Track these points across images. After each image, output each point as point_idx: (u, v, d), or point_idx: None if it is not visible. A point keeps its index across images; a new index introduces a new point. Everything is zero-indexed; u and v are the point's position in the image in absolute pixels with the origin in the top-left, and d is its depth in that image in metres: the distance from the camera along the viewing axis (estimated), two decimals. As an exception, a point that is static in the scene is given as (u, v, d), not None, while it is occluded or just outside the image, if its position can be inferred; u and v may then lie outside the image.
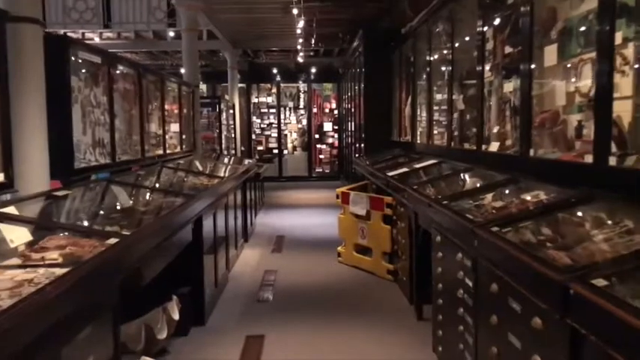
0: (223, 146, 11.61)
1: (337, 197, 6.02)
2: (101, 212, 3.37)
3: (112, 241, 2.69)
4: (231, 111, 11.87)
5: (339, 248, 6.03)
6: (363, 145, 9.23)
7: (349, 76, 12.84)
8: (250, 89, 15.37)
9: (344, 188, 6.21)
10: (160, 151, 6.03)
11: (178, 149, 6.87)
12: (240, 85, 15.02)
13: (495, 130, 4.23)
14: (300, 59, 12.60)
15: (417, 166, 5.50)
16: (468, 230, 2.65)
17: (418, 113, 7.07)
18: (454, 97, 5.24)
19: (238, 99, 13.85)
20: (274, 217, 9.28)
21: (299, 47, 11.17)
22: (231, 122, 11.42)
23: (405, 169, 5.66)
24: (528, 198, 3.03)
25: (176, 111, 6.84)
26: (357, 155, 10.55)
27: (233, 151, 11.33)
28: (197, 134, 7.88)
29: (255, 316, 4.40)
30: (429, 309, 4.02)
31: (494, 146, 4.21)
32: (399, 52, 8.24)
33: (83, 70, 4.15)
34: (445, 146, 5.53)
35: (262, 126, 15.72)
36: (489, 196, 3.42)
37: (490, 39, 4.39)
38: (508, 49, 4.04)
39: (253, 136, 15.44)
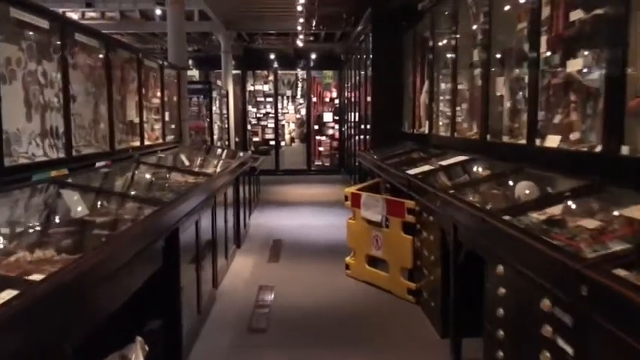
0: (215, 137, 10.66)
1: (346, 199, 5.11)
2: (30, 230, 2.44)
3: (37, 277, 1.81)
4: (225, 99, 10.88)
5: (348, 259, 5.12)
6: (369, 137, 8.30)
7: (352, 62, 11.89)
8: (245, 76, 14.39)
9: (353, 188, 5.29)
10: (137, 143, 5.09)
11: (161, 140, 5.93)
12: (234, 71, 14.01)
13: (557, 119, 3.31)
14: (299, 43, 11.63)
15: (443, 163, 4.59)
16: (569, 270, 1.75)
17: (438, 101, 6.14)
18: (491, 80, 4.31)
19: (232, 86, 12.87)
20: (271, 216, 8.37)
21: (299, 29, 10.19)
22: (224, 111, 10.43)
23: (427, 167, 4.74)
24: (636, 215, 2.12)
25: (158, 96, 5.89)
26: (362, 148, 9.63)
27: (226, 143, 10.37)
28: (184, 123, 6.93)
29: (247, 354, 3.49)
30: (470, 345, 3.14)
31: (552, 140, 3.29)
32: (413, 33, 7.29)
33: (25, 38, 3.20)
34: (477, 140, 4.62)
35: (258, 116, 14.76)
36: (565, 210, 2.51)
37: (547, 4, 3.46)
38: (577, 15, 3.11)
39: (249, 127, 14.48)
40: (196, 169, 5.13)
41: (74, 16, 10.94)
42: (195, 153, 6.46)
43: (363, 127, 10.45)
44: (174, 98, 6.63)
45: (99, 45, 4.14)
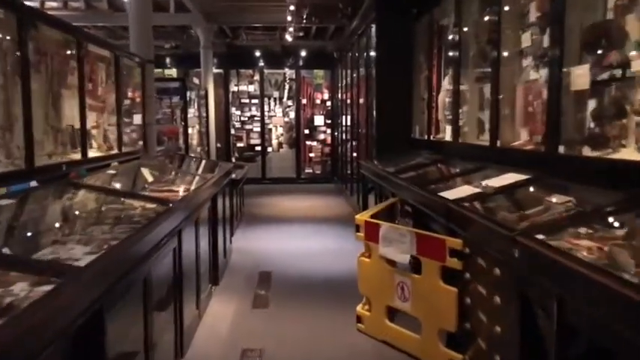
0: (195, 142, 9.37)
1: (357, 229, 3.86)
2: None
3: None
4: (204, 100, 9.58)
5: (360, 309, 3.87)
6: (374, 144, 7.07)
7: (347, 60, 10.68)
8: (228, 75, 13.10)
9: (366, 214, 4.03)
10: (77, 155, 3.80)
11: (116, 151, 4.64)
12: (216, 70, 12.74)
13: None
14: (288, 38, 10.39)
15: (492, 183, 3.36)
16: None
17: (465, 101, 4.94)
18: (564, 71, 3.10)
19: (214, 86, 11.58)
20: (257, 236, 7.09)
21: (289, 19, 8.93)
22: (203, 114, 9.12)
23: (468, 188, 3.51)
24: None
25: (111, 94, 4.60)
26: (358, 155, 8.40)
27: (205, 149, 9.07)
28: (150, 128, 5.64)
29: None
30: None
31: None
32: (428, 20, 6.09)
33: None
34: (538, 152, 3.42)
35: (242, 119, 13.47)
36: None
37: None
38: None
39: (232, 131, 13.18)
40: (155, 194, 3.84)
41: (33, 3, 9.58)
42: (161, 166, 5.18)
43: (359, 131, 9.27)
44: (137, 98, 5.34)
45: (5, 15, 2.85)
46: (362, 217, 3.90)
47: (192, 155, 7.31)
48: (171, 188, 4.16)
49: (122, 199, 3.27)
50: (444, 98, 5.62)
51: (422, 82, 6.41)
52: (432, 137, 5.87)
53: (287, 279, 5.20)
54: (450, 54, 5.50)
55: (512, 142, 3.97)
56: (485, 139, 4.58)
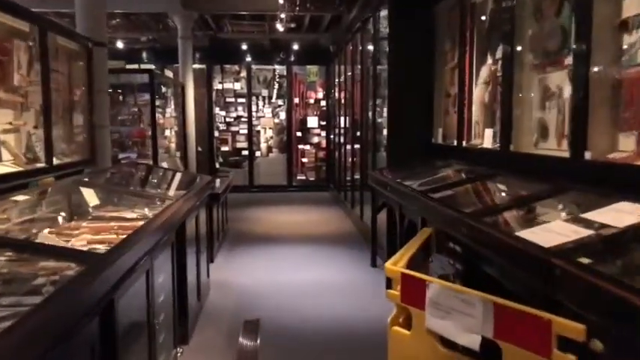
0: (173, 146, 8.06)
1: (388, 285, 2.59)
2: None
3: None
4: (181, 98, 8.25)
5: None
6: (386, 151, 5.82)
7: (345, 55, 9.45)
8: (212, 72, 11.81)
9: (401, 262, 2.75)
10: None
11: (41, 164, 3.34)
12: (198, 66, 11.45)
13: None
14: (279, 27, 9.10)
15: (599, 219, 2.13)
16: None
17: (520, 95, 3.71)
18: None
19: (195, 84, 10.26)
20: (241, 264, 5.81)
21: (280, 2, 7.65)
22: (173, 114, 7.78)
23: (560, 224, 2.27)
24: None
25: (36, 86, 3.30)
26: (356, 160, 7.16)
27: (178, 155, 7.73)
28: (102, 132, 4.34)
29: None
30: None
31: None
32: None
33: None
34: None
35: (228, 120, 12.19)
36: None
37: None
38: None
39: (216, 133, 11.88)
40: (79, 240, 2.55)
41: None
42: (109, 186, 3.88)
43: (358, 134, 8.06)
44: (81, 90, 4.04)
45: None
46: (394, 265, 2.64)
47: (163, 166, 6.01)
48: (109, 225, 2.88)
49: (11, 252, 1.98)
50: (481, 94, 4.39)
51: (447, 75, 5.18)
52: (463, 143, 4.63)
53: (281, 331, 3.93)
54: (489, 37, 4.30)
55: (609, 153, 2.76)
56: (548, 148, 3.37)
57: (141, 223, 2.89)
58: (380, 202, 5.47)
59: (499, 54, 4.05)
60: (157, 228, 2.84)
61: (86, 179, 3.60)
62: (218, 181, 7.47)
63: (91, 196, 3.50)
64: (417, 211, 3.76)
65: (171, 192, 4.03)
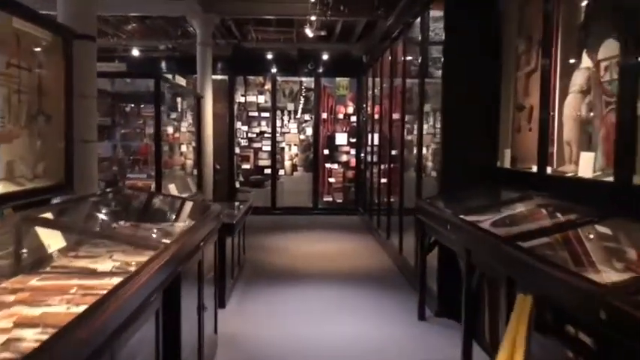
0: (189, 163, 7.13)
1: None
2: None
3: None
4: (197, 110, 7.31)
5: None
6: (439, 176, 4.76)
7: (379, 66, 8.47)
8: (234, 83, 10.95)
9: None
10: None
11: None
12: (219, 76, 10.65)
13: None
14: (308, 32, 8.17)
15: None
16: None
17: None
18: None
19: (216, 96, 9.41)
20: (259, 311, 4.80)
21: (311, 3, 6.73)
22: (184, 128, 6.81)
23: None
24: None
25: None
26: (388, 180, 6.12)
27: (195, 173, 6.78)
28: (87, 148, 3.41)
29: None
30: None
31: None
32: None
33: None
34: None
35: (250, 135, 11.30)
36: None
37: None
38: None
39: (237, 150, 10.98)
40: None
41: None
42: (86, 220, 2.92)
43: (394, 152, 7.08)
44: (57, 95, 3.10)
45: None
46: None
47: (169, 188, 5.06)
48: (67, 285, 1.93)
49: None
50: (575, 106, 3.34)
51: (520, 83, 4.14)
52: (548, 170, 3.57)
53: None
54: (587, 32, 3.27)
55: None
56: None
57: (115, 280, 1.94)
58: (430, 239, 4.42)
59: (606, 53, 3.01)
60: (136, 292, 1.87)
61: (48, 214, 2.64)
62: (235, 205, 6.52)
63: (53, 238, 2.56)
64: (501, 266, 2.70)
65: (168, 229, 3.05)
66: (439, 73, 5.49)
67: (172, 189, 5.26)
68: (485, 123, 4.51)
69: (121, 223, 3.15)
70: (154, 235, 2.86)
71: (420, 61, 5.59)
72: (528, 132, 4.03)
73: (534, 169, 3.74)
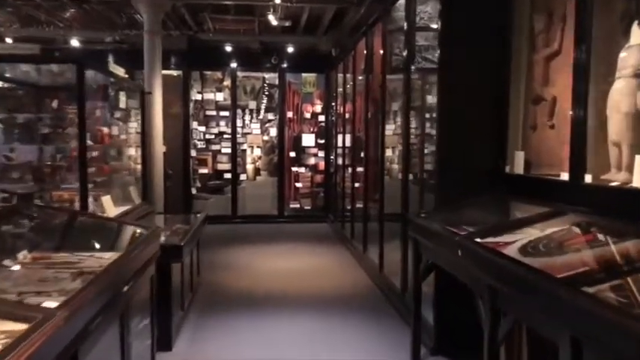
0: (128, 172, 6.08)
1: None
2: None
3: None
4: (142, 106, 6.24)
5: None
6: (436, 183, 3.89)
7: (354, 57, 7.63)
8: (189, 79, 9.91)
9: None
10: None
11: None
12: (173, 72, 9.62)
13: None
14: (272, 19, 7.23)
15: None
16: None
17: None
18: None
19: (166, 92, 8.38)
20: (216, 352, 3.86)
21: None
22: (133, 129, 5.77)
23: None
24: None
25: None
26: (362, 187, 5.31)
27: (142, 179, 5.74)
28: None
29: None
30: None
31: None
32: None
33: None
34: None
35: (208, 137, 10.29)
36: None
37: None
38: None
39: (193, 153, 9.94)
40: None
41: None
42: None
43: (371, 154, 6.29)
44: None
45: None
46: None
47: (102, 203, 4.05)
48: None
49: None
50: (629, 92, 2.55)
51: (539, 69, 3.33)
52: (586, 178, 2.77)
53: None
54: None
55: None
56: None
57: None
58: (427, 262, 3.58)
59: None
60: None
61: None
62: (187, 219, 5.56)
63: None
64: (557, 320, 1.87)
65: (64, 277, 2.09)
66: (426, 64, 4.72)
67: (106, 202, 4.25)
68: (489, 120, 3.70)
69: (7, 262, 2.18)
70: (37, 298, 1.89)
71: (405, 51, 4.74)
72: (549, 130, 3.25)
73: (563, 176, 2.94)
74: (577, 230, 2.58)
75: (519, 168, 3.49)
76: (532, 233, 2.76)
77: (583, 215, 2.65)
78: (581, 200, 2.75)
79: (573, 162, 2.82)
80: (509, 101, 3.62)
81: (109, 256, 2.38)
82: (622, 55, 2.59)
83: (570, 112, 2.85)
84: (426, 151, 4.50)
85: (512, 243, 2.64)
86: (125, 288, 2.18)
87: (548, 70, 3.23)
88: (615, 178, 2.61)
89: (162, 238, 3.94)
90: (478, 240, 2.70)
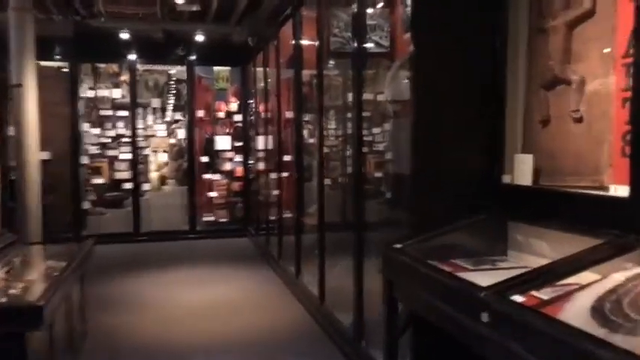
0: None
1: None
2: None
3: None
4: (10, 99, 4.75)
5: None
6: (413, 198, 2.88)
7: (277, 46, 6.57)
8: (78, 73, 8.35)
9: None
10: None
11: None
12: (57, 64, 8.10)
13: None
14: (178, 1, 5.94)
15: None
16: None
17: None
18: None
19: (48, 87, 6.86)
20: None
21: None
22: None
23: None
24: None
25: None
26: (286, 196, 4.22)
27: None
28: None
29: None
30: None
31: None
32: None
33: None
34: None
35: (103, 140, 8.78)
36: None
37: None
38: None
39: (85, 160, 8.37)
40: None
41: None
42: None
43: (289, 158, 5.41)
44: None
45: None
46: None
47: None
48: None
49: None
50: None
51: (556, 41, 2.42)
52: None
53: None
54: None
55: None
56: None
57: None
58: (406, 310, 2.57)
59: None
60: None
61: None
62: (64, 253, 4.21)
63: None
64: None
65: None
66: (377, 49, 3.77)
67: None
68: (478, 114, 2.77)
69: None
70: None
71: (354, 36, 3.72)
72: (572, 124, 2.35)
73: (615, 190, 2.04)
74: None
75: (524, 177, 2.58)
76: (586, 279, 1.83)
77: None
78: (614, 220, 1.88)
79: (635, 170, 1.92)
80: (505, 87, 2.70)
81: None
82: None
83: (628, 95, 1.96)
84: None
85: (568, 297, 1.71)
86: None
87: (570, 40, 2.34)
88: None
89: (15, 292, 2.67)
90: (514, 298, 1.71)
